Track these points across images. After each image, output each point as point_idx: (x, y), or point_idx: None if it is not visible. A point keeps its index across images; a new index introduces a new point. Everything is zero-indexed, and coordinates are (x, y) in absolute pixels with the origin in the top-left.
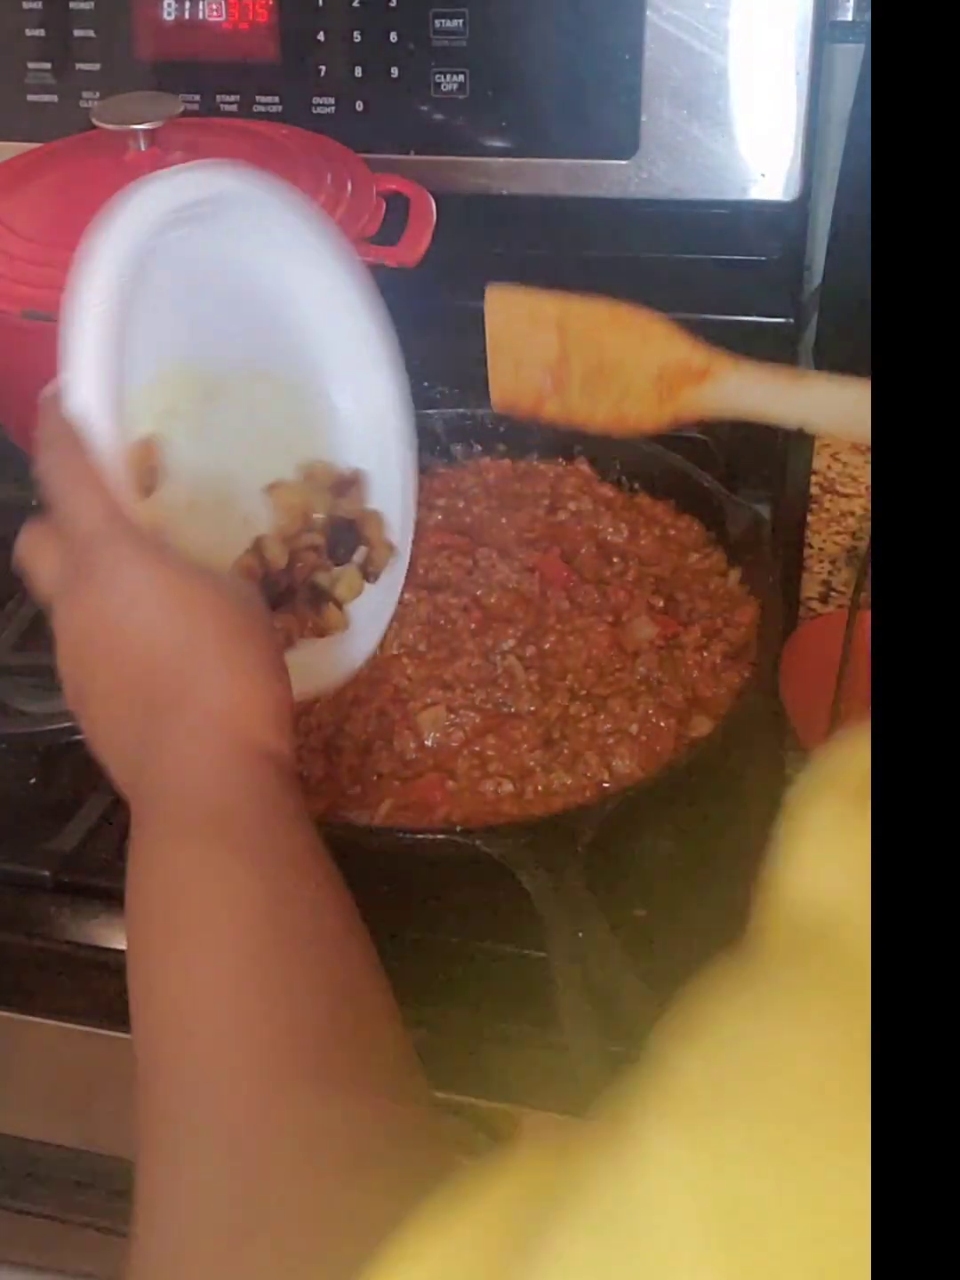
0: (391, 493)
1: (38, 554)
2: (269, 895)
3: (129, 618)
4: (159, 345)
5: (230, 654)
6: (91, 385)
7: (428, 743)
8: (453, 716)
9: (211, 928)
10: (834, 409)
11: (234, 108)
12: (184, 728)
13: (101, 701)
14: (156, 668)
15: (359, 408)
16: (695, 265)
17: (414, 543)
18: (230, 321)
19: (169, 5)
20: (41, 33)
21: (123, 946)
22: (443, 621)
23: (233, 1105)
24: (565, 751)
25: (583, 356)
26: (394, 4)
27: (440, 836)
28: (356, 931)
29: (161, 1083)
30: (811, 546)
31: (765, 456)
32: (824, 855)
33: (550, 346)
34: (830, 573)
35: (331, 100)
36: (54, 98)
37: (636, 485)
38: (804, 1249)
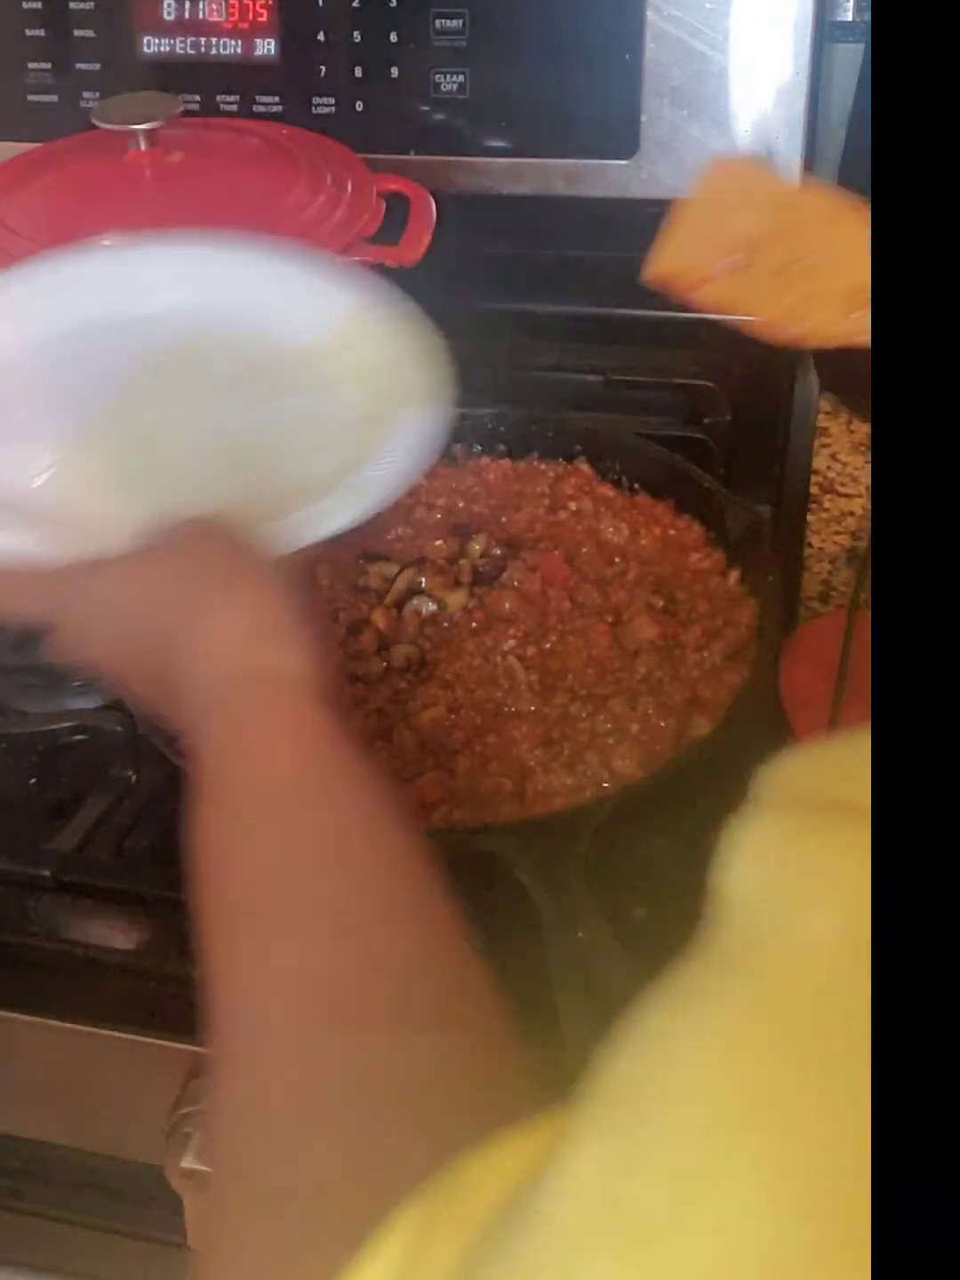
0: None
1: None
2: (329, 835)
3: (122, 594)
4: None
5: (218, 591)
6: None
7: (428, 743)
8: (453, 716)
9: (281, 895)
10: None
11: (234, 108)
12: (185, 671)
13: (113, 662)
14: (160, 626)
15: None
16: None
17: None
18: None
19: (169, 5)
20: (41, 33)
21: (122, 946)
22: (444, 621)
23: (304, 1054)
24: (565, 751)
25: (789, 245)
26: (394, 4)
27: (440, 836)
28: (420, 844)
29: (233, 1032)
30: (811, 546)
31: (765, 456)
32: (751, 865)
33: (754, 224)
34: (830, 573)
35: (331, 100)
36: (54, 98)
37: (637, 485)
38: (693, 1272)
